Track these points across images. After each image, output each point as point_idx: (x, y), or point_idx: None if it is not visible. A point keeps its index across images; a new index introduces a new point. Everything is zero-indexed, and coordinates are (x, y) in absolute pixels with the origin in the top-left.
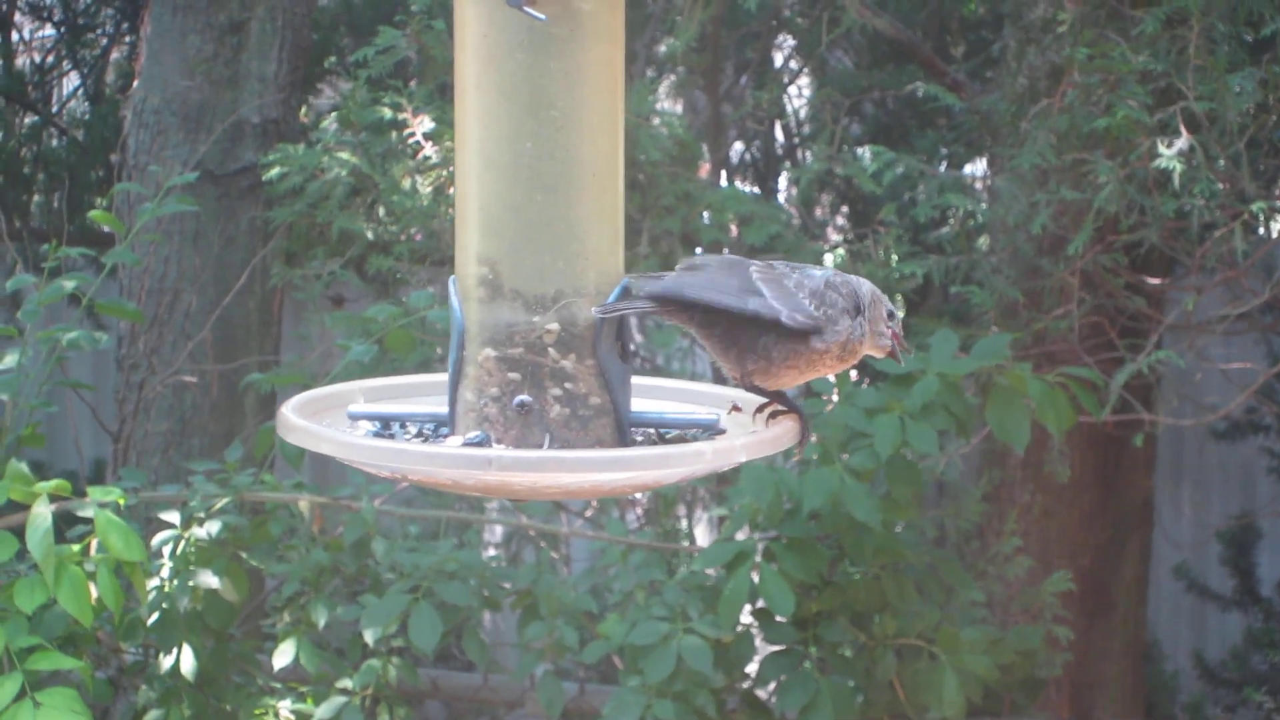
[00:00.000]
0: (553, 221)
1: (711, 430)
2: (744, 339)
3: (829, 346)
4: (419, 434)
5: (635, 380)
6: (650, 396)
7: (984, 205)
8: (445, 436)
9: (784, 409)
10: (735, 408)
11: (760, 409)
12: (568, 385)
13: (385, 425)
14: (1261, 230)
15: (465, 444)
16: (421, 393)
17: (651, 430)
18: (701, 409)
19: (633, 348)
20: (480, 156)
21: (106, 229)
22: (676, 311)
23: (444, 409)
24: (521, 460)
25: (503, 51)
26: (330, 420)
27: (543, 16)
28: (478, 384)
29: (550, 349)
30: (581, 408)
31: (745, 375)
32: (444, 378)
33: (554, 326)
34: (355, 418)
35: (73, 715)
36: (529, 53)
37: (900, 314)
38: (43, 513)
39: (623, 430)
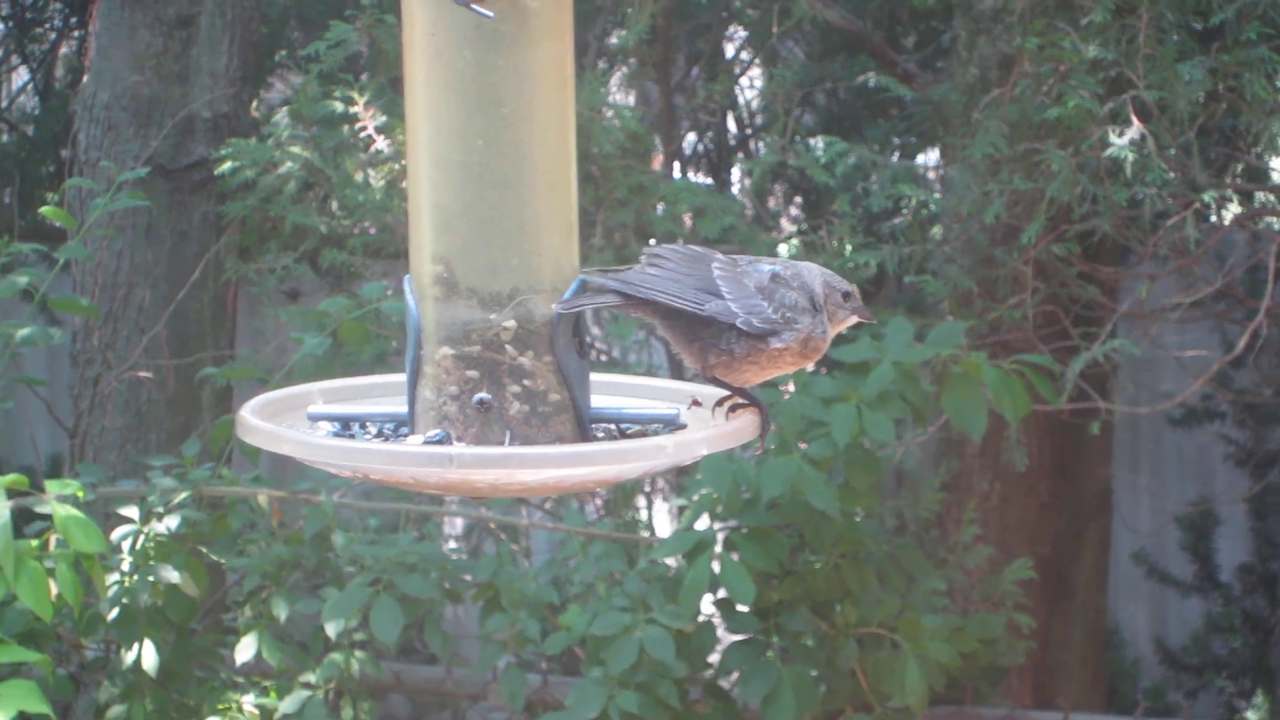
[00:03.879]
0: (506, 219)
1: (672, 425)
2: (706, 335)
3: (789, 345)
4: (379, 433)
5: (595, 377)
6: (611, 393)
7: (937, 195)
8: (405, 436)
9: (744, 402)
10: (695, 402)
11: (720, 402)
12: (526, 382)
13: (345, 425)
14: (1213, 218)
15: (426, 442)
16: (380, 393)
17: (612, 426)
18: (661, 404)
19: (589, 340)
20: (431, 155)
21: (58, 225)
22: (639, 305)
23: (403, 408)
24: (483, 457)
25: (451, 49)
26: (290, 421)
27: (490, 14)
28: (436, 383)
29: (508, 346)
30: (541, 404)
31: (707, 369)
32: (402, 377)
33: (511, 324)
34: (315, 419)
35: (32, 705)
36: (477, 50)
37: (859, 298)
38: (0, 506)
39: (583, 426)
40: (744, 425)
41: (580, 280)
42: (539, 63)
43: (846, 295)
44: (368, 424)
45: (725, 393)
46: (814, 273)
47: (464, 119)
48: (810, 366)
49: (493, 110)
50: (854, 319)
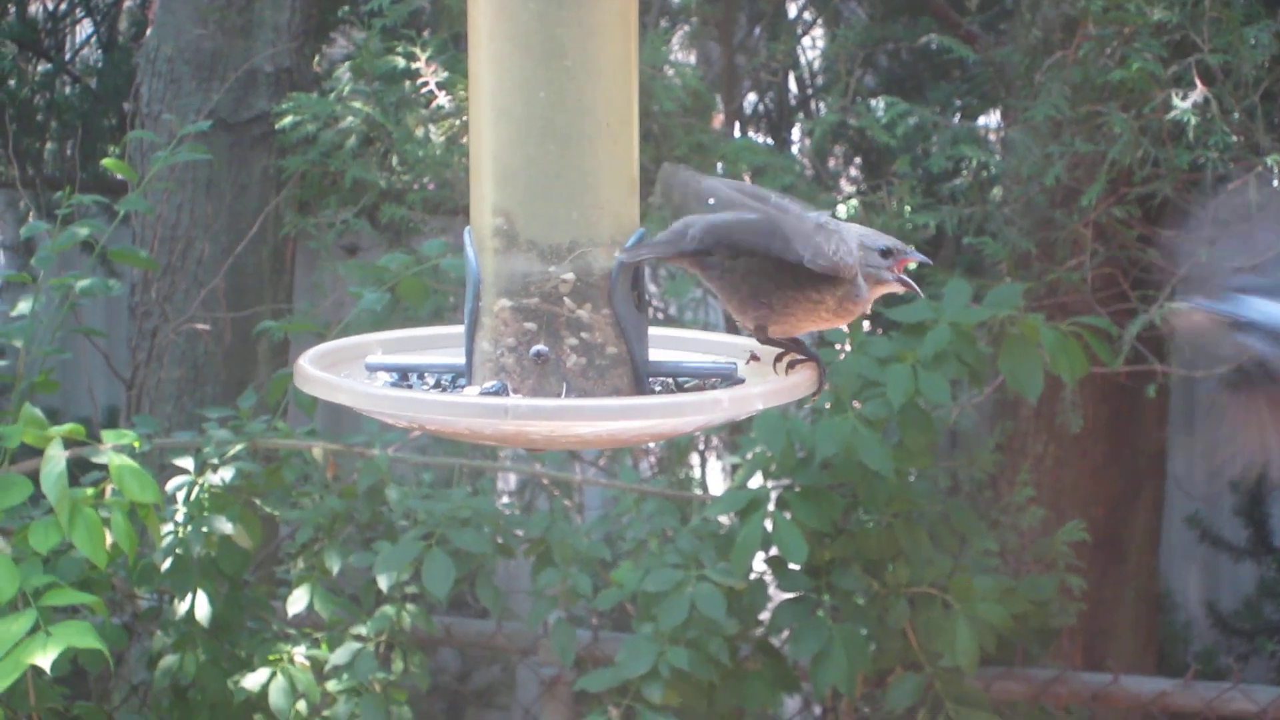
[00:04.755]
0: (566, 172)
1: (729, 379)
2: (745, 288)
3: (824, 297)
4: (437, 384)
5: (653, 331)
6: (669, 347)
7: (997, 157)
8: (463, 387)
9: (802, 358)
10: (754, 356)
11: (779, 357)
12: (584, 335)
13: (403, 376)
14: (1275, 183)
15: (483, 393)
16: (439, 344)
17: (669, 379)
18: (720, 358)
19: (648, 298)
20: (493, 107)
21: (119, 177)
22: (687, 259)
23: (461, 360)
24: (539, 409)
25: (515, 1)
26: (347, 372)
27: None
28: (494, 334)
29: (566, 299)
30: (598, 357)
31: (751, 321)
32: (460, 329)
33: (569, 276)
34: (373, 369)
35: (88, 640)
36: (541, 2)
37: (903, 246)
38: (57, 455)
39: (640, 379)
40: (801, 380)
41: (641, 233)
42: (603, 15)
43: (886, 252)
44: (426, 375)
45: (781, 349)
46: (852, 232)
47: (527, 71)
48: (867, 320)
49: (556, 63)
50: (895, 286)
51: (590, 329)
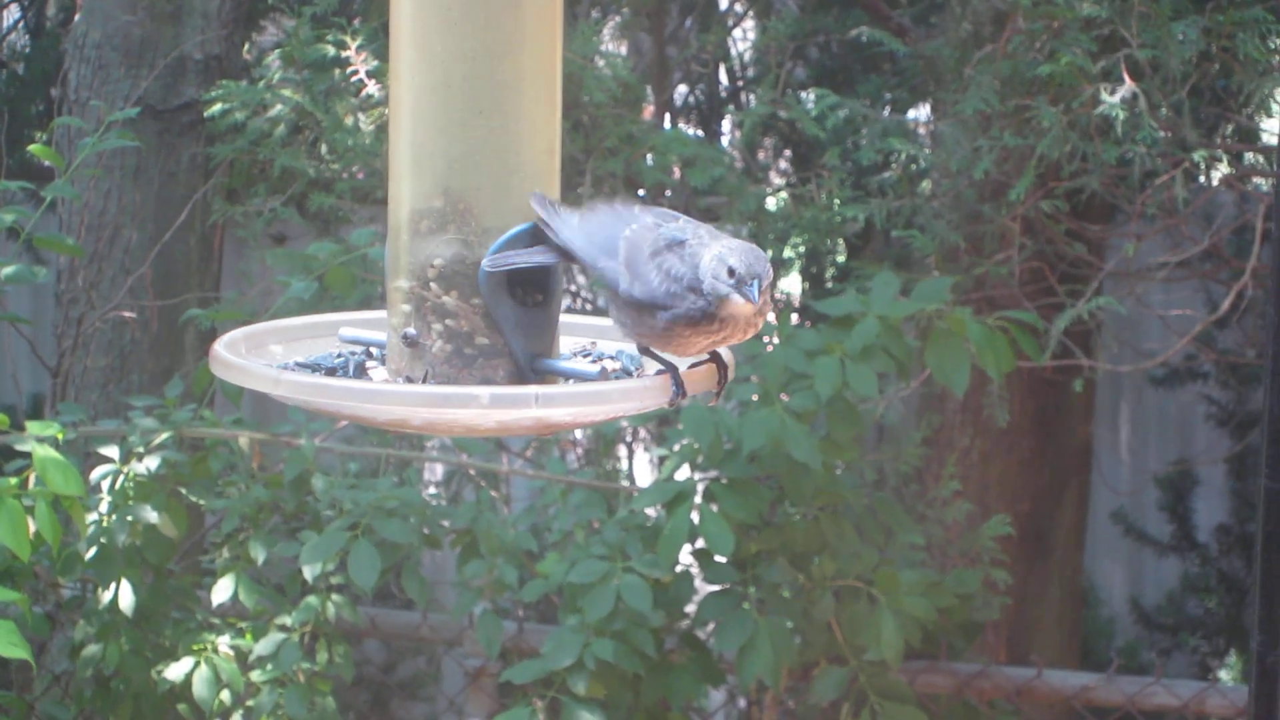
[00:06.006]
0: (463, 157)
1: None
2: (616, 302)
3: (661, 322)
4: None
5: (593, 323)
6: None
7: (927, 150)
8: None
9: (663, 369)
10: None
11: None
12: (449, 322)
13: (368, 350)
14: (1202, 179)
15: (327, 369)
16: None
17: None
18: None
19: (575, 289)
20: (409, 88)
21: (46, 163)
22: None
23: None
24: (302, 385)
25: None
26: (260, 354)
27: None
28: (389, 314)
29: (432, 284)
30: (466, 346)
31: (632, 337)
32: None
33: (438, 262)
34: (346, 340)
35: (11, 648)
36: None
37: (750, 273)
38: None
39: (523, 373)
40: (621, 389)
41: (521, 229)
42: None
43: (731, 271)
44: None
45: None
46: (712, 250)
47: (441, 57)
48: (795, 313)
49: (471, 46)
50: (738, 305)
51: (456, 316)
